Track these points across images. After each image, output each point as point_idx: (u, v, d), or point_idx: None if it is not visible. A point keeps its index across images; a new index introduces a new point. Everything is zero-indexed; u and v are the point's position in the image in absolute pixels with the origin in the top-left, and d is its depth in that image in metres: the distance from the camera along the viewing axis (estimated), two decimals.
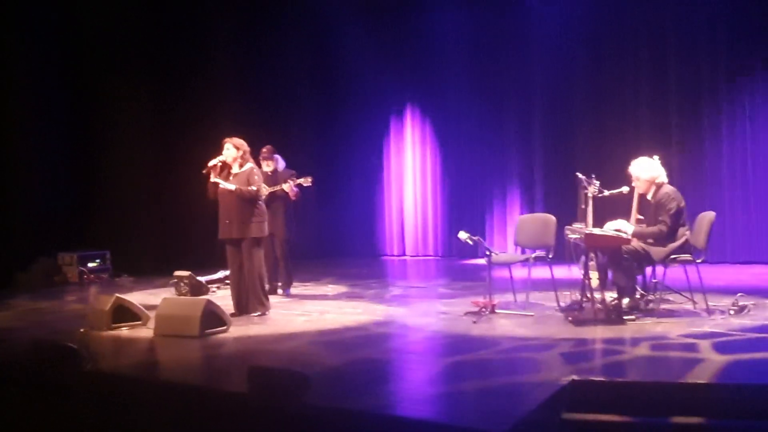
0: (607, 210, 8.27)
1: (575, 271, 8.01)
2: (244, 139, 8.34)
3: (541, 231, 8.53)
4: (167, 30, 13.07)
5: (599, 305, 7.34)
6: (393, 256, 15.31)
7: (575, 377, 5.10)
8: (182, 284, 9.74)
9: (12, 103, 11.95)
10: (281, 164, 9.90)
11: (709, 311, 7.38)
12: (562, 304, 8.02)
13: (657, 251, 7.38)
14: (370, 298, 9.40)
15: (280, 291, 9.75)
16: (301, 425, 4.72)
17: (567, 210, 10.14)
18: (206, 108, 13.07)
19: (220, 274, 10.30)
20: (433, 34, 14.49)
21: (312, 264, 12.79)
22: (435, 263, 14.30)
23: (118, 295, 7.84)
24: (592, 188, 7.79)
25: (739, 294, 7.76)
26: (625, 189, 7.88)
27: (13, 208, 11.80)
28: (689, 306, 7.70)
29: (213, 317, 7.24)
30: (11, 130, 11.90)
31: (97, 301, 7.97)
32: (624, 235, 7.28)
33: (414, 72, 14.95)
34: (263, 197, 8.42)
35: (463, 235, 7.92)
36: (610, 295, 7.58)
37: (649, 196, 7.64)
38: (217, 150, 8.27)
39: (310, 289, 10.39)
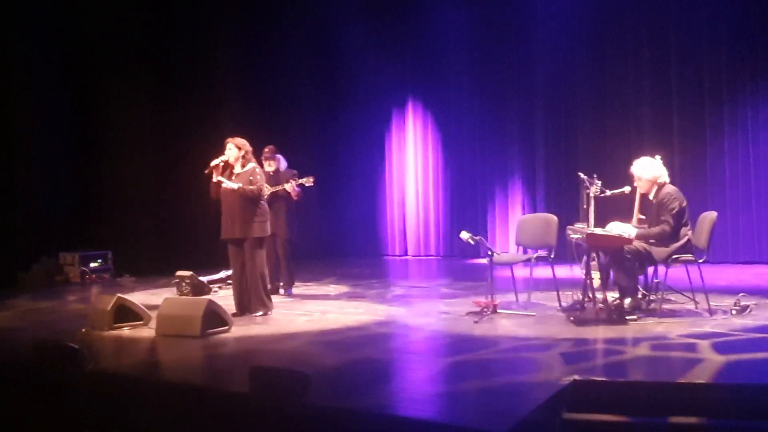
0: (608, 210, 8.28)
1: (577, 271, 8.00)
2: (245, 139, 8.34)
3: (543, 231, 8.53)
4: (168, 30, 13.08)
5: (601, 305, 7.34)
6: (395, 255, 15.31)
7: (576, 377, 5.10)
8: (184, 284, 9.75)
9: (13, 103, 11.96)
10: (283, 164, 9.90)
11: (711, 311, 7.37)
12: (564, 304, 8.01)
13: (659, 251, 7.38)
14: (372, 298, 9.40)
15: (281, 291, 9.75)
16: (302, 425, 4.72)
17: (569, 210, 10.18)
18: (207, 108, 13.08)
19: (222, 274, 10.30)
20: (433, 31, 14.48)
21: (313, 264, 12.79)
22: (436, 263, 14.30)
23: (119, 295, 7.83)
24: (594, 188, 7.78)
25: (741, 294, 7.76)
26: (626, 189, 7.88)
27: (14, 208, 11.81)
28: (691, 306, 7.70)
29: (214, 317, 7.24)
30: (12, 130, 11.90)
31: (99, 301, 7.97)
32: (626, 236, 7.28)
33: (414, 71, 14.97)
34: (265, 197, 8.42)
35: (464, 235, 7.92)
36: (612, 295, 7.57)
37: (650, 196, 7.64)
38: (219, 150, 8.27)
39: (312, 289, 10.39)
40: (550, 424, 4.65)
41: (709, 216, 7.69)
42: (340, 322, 7.80)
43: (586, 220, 7.75)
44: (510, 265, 8.70)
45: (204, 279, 10.02)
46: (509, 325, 7.37)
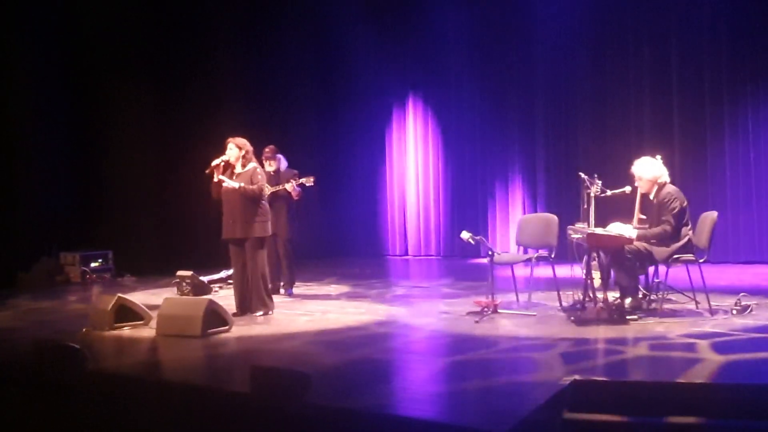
0: (609, 210, 8.28)
1: (577, 271, 7.99)
2: (246, 139, 8.34)
3: (544, 231, 8.53)
4: (168, 30, 13.09)
5: (602, 305, 7.34)
6: (395, 255, 15.31)
7: (577, 377, 5.10)
8: (184, 284, 9.75)
9: (14, 103, 11.96)
10: (283, 164, 9.90)
11: (712, 311, 7.37)
12: (565, 304, 8.01)
13: (660, 251, 7.38)
14: (373, 298, 9.40)
15: (282, 291, 9.74)
16: (303, 425, 4.72)
17: (569, 210, 10.17)
18: (207, 107, 13.08)
19: (223, 273, 10.31)
20: (434, 30, 14.49)
21: (314, 264, 12.79)
22: (437, 263, 14.30)
23: (120, 294, 7.83)
24: (595, 188, 7.78)
25: (742, 294, 7.76)
26: (627, 189, 7.88)
27: (15, 207, 11.81)
28: (692, 306, 7.69)
29: (215, 317, 7.24)
30: (13, 130, 11.90)
31: (100, 301, 7.98)
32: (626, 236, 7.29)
33: (415, 71, 14.96)
34: (266, 197, 8.41)
35: (465, 234, 7.92)
36: (613, 295, 7.57)
37: (651, 196, 7.64)
38: (219, 150, 8.27)
39: (313, 288, 10.39)
40: (550, 424, 4.65)
41: (710, 216, 7.69)
42: (341, 322, 7.80)
43: (587, 219, 7.75)
44: (511, 264, 8.70)
45: (204, 279, 10.02)
46: (510, 325, 7.37)
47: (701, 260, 7.50)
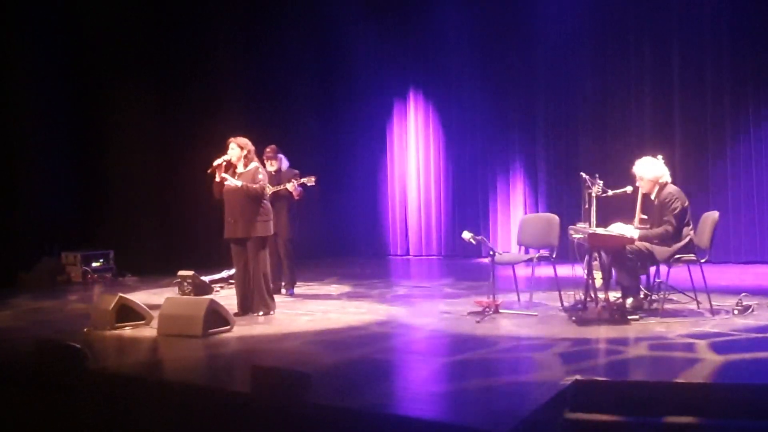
0: (610, 210, 8.27)
1: (579, 271, 7.99)
2: (247, 139, 8.34)
3: (545, 231, 8.54)
4: (169, 30, 13.09)
5: (603, 305, 7.34)
6: (396, 255, 15.30)
7: (578, 377, 5.10)
8: (185, 284, 9.75)
9: (15, 103, 11.96)
10: (285, 164, 9.90)
11: (713, 311, 7.37)
12: (566, 304, 8.02)
13: (661, 251, 7.37)
14: (374, 298, 9.39)
15: (283, 291, 9.74)
16: (304, 425, 4.72)
17: (570, 210, 10.18)
18: (208, 107, 13.09)
19: (224, 273, 10.32)
20: (435, 27, 14.47)
21: (315, 263, 12.78)
22: (438, 263, 14.30)
23: (121, 294, 7.83)
24: (596, 188, 7.78)
25: (743, 294, 7.75)
26: (628, 189, 7.88)
27: (16, 207, 11.81)
28: (693, 306, 7.69)
29: (216, 317, 7.24)
30: (14, 130, 11.91)
31: (101, 301, 7.97)
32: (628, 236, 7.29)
33: (415, 70, 14.95)
34: (267, 196, 8.41)
35: (466, 234, 7.93)
36: (614, 295, 7.57)
37: (652, 196, 7.63)
38: (220, 149, 8.27)
39: (314, 288, 10.39)
40: (551, 423, 4.65)
41: (711, 216, 7.69)
42: (342, 321, 7.80)
43: (588, 219, 7.74)
44: (512, 264, 8.69)
45: (206, 278, 10.02)
46: (511, 324, 7.37)
47: (702, 260, 7.49)
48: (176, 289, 9.87)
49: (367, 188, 15.49)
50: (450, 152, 14.85)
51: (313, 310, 8.52)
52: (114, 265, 12.40)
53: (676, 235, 7.40)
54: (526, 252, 10.38)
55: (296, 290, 9.91)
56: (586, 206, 7.81)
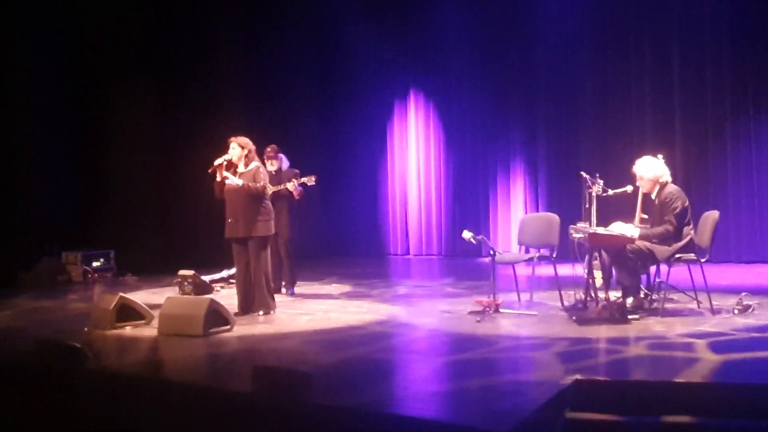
0: (611, 209, 8.28)
1: (579, 271, 8.00)
2: (248, 138, 8.34)
3: (545, 230, 8.53)
4: (169, 30, 13.09)
5: (603, 305, 7.34)
6: (397, 255, 15.30)
7: (579, 377, 5.10)
8: (186, 283, 9.75)
9: (15, 103, 11.96)
10: (285, 163, 9.90)
11: (714, 311, 7.37)
12: (566, 304, 8.02)
13: (661, 250, 7.37)
14: (374, 298, 9.40)
15: (283, 290, 9.74)
16: (304, 424, 4.72)
17: (571, 209, 10.15)
18: (208, 107, 13.09)
19: (224, 273, 10.32)
20: (435, 27, 14.48)
21: (315, 263, 12.77)
22: (439, 262, 14.30)
23: (121, 294, 7.83)
24: (596, 187, 7.79)
25: (744, 293, 7.75)
26: (629, 188, 7.88)
27: (16, 207, 11.81)
28: (693, 305, 7.68)
29: (217, 316, 7.24)
30: (14, 129, 11.91)
31: (101, 300, 7.98)
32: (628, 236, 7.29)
33: (416, 70, 14.96)
34: (268, 196, 8.41)
35: (467, 234, 7.92)
36: (614, 295, 7.57)
37: (653, 196, 7.63)
38: (220, 149, 8.27)
39: (314, 288, 10.39)
40: (552, 423, 4.65)
41: (712, 215, 7.68)
42: (343, 321, 7.80)
43: (589, 219, 7.75)
44: (512, 264, 8.69)
45: (206, 278, 10.02)
46: (511, 324, 7.37)
47: (703, 260, 7.49)
48: (177, 288, 9.86)
49: (367, 188, 15.49)
50: (450, 152, 14.85)
51: (313, 310, 8.52)
52: (114, 265, 12.40)
53: (677, 235, 7.39)
54: (527, 251, 10.37)
55: (297, 290, 9.91)
56: (587, 206, 7.82)
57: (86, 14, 12.55)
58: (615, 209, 8.33)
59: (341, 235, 15.29)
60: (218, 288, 10.14)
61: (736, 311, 7.33)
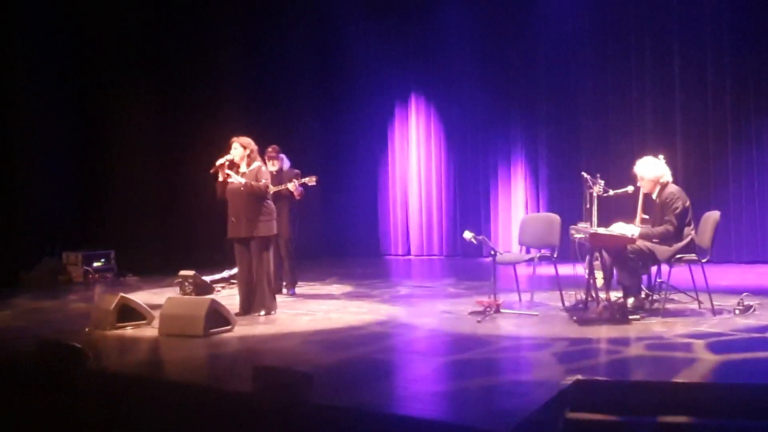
0: (612, 209, 8.28)
1: (580, 271, 7.99)
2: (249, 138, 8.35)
3: (546, 230, 8.53)
4: (169, 30, 13.10)
5: (604, 305, 7.33)
6: (397, 255, 15.30)
7: (579, 377, 5.09)
8: (187, 284, 9.75)
9: (16, 103, 11.97)
10: (286, 164, 9.90)
11: (714, 311, 7.36)
12: (567, 304, 8.02)
13: (662, 251, 7.37)
14: (375, 298, 9.39)
15: (284, 291, 9.74)
16: (305, 424, 4.71)
17: (572, 209, 10.16)
18: (209, 107, 13.10)
19: (225, 273, 10.32)
20: (436, 27, 14.47)
21: (316, 264, 12.77)
22: (440, 262, 14.29)
23: (122, 294, 7.84)
24: (597, 188, 7.79)
25: (745, 294, 7.75)
26: (630, 188, 7.88)
27: (17, 207, 11.82)
28: (694, 306, 7.68)
29: (217, 317, 7.24)
30: (15, 129, 11.91)
31: (102, 301, 7.98)
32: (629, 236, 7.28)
33: (417, 70, 14.95)
34: (270, 196, 8.41)
35: (467, 234, 7.92)
36: (615, 295, 7.57)
37: (654, 196, 7.63)
38: (221, 149, 8.27)
39: (315, 288, 10.39)
40: (552, 423, 4.64)
41: (713, 216, 7.68)
42: (343, 321, 7.80)
43: (590, 219, 7.75)
44: (513, 264, 8.69)
45: (207, 278, 10.02)
46: (512, 324, 7.36)
47: (704, 260, 7.48)
48: (177, 288, 9.87)
49: (368, 188, 15.49)
50: (451, 152, 14.85)
51: (314, 310, 8.52)
52: (115, 265, 12.40)
53: (677, 235, 7.39)
54: (528, 252, 10.36)
55: (297, 290, 9.91)
56: (588, 206, 7.82)
57: (86, 14, 12.55)
58: (616, 209, 8.33)
59: (342, 235, 15.29)
60: (219, 288, 10.14)
61: (736, 312, 7.33)
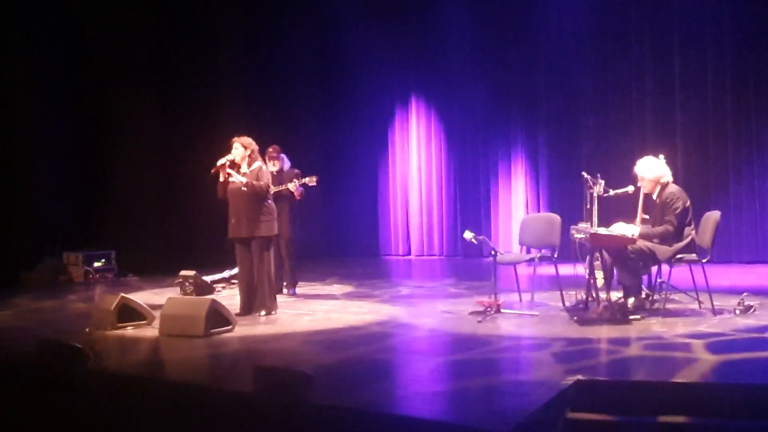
0: (612, 209, 8.28)
1: (580, 271, 7.99)
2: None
3: (547, 230, 8.52)
4: (170, 31, 13.11)
5: (604, 305, 7.33)
6: (398, 255, 15.30)
7: (580, 377, 5.09)
8: (187, 284, 9.75)
9: (15, 103, 11.97)
10: (287, 164, 9.90)
11: (715, 311, 7.36)
12: (568, 304, 8.02)
13: (663, 251, 7.37)
14: (376, 298, 9.39)
15: (285, 291, 9.74)
16: (305, 424, 4.72)
17: (572, 209, 10.17)
18: (209, 107, 13.10)
19: (226, 273, 10.32)
20: (436, 28, 14.50)
21: (316, 264, 12.77)
22: (440, 263, 14.29)
23: (123, 294, 7.84)
24: (598, 188, 7.79)
25: (745, 294, 7.74)
26: (630, 188, 7.88)
27: (18, 208, 11.82)
28: (695, 306, 7.68)
29: (218, 317, 7.23)
30: (16, 130, 11.92)
31: (103, 301, 7.98)
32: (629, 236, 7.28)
33: (417, 70, 14.96)
34: (271, 196, 8.41)
35: (468, 234, 7.92)
36: (616, 295, 7.56)
37: (654, 196, 7.63)
38: (222, 149, 8.27)
39: (316, 288, 10.39)
40: (553, 423, 4.65)
41: (713, 215, 7.67)
42: (344, 321, 7.80)
43: (590, 219, 7.75)
44: (514, 264, 8.68)
45: (207, 278, 10.03)
46: (513, 324, 7.36)
47: (704, 260, 7.48)
48: (178, 289, 9.87)
49: (368, 188, 15.49)
50: (451, 152, 14.86)
51: (314, 310, 8.52)
52: (116, 265, 12.40)
53: (677, 235, 7.39)
54: (528, 252, 10.37)
55: (298, 290, 9.91)
56: (588, 206, 7.82)
57: (86, 14, 12.55)
58: (616, 210, 8.33)
59: (342, 235, 15.30)
60: (219, 288, 10.14)
61: (737, 312, 7.32)
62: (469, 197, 14.57)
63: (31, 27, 12.18)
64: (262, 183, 8.09)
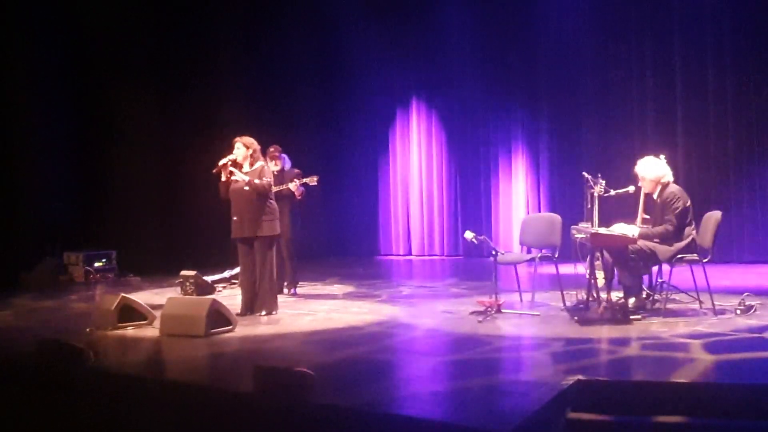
0: (613, 209, 8.27)
1: (581, 271, 7.99)
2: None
3: (547, 230, 8.52)
4: (170, 31, 13.12)
5: (605, 305, 7.33)
6: (399, 255, 15.30)
7: (581, 377, 5.09)
8: (188, 284, 9.75)
9: (15, 103, 11.97)
10: (287, 164, 9.91)
11: (716, 311, 7.36)
12: (568, 304, 8.01)
13: (663, 250, 7.36)
14: (376, 298, 9.39)
15: (285, 291, 9.74)
16: (306, 424, 4.71)
17: (573, 209, 10.17)
18: (210, 107, 13.11)
19: (226, 273, 10.32)
20: (437, 29, 14.52)
21: (317, 264, 12.78)
22: (441, 263, 14.29)
23: (123, 294, 7.84)
24: (598, 188, 7.79)
25: (746, 294, 7.74)
26: (631, 188, 7.88)
27: (18, 207, 11.82)
28: (695, 306, 7.67)
29: (219, 317, 7.23)
30: (16, 129, 11.92)
31: (103, 301, 7.97)
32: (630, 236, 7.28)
33: (418, 71, 14.97)
34: (272, 196, 8.41)
35: (468, 234, 7.92)
36: (616, 295, 7.56)
37: (655, 196, 7.62)
38: (222, 149, 8.28)
39: (317, 288, 10.39)
40: (554, 423, 4.64)
41: (714, 215, 7.67)
42: (344, 321, 7.80)
43: (591, 219, 7.75)
44: (514, 264, 8.68)
45: (208, 278, 10.03)
46: (513, 324, 7.36)
47: (705, 260, 7.47)
48: (179, 288, 9.87)
49: (369, 188, 15.50)
50: (452, 152, 14.86)
51: (315, 310, 8.52)
52: (116, 265, 12.40)
53: (678, 235, 7.38)
54: (529, 252, 10.37)
55: (299, 290, 9.92)
56: (589, 206, 7.82)
57: (86, 14, 12.56)
58: (617, 209, 8.33)
59: (343, 235, 15.31)
60: (220, 288, 10.14)
61: (738, 312, 7.32)
62: (469, 197, 14.57)
63: (31, 27, 12.19)
64: (264, 182, 8.09)
